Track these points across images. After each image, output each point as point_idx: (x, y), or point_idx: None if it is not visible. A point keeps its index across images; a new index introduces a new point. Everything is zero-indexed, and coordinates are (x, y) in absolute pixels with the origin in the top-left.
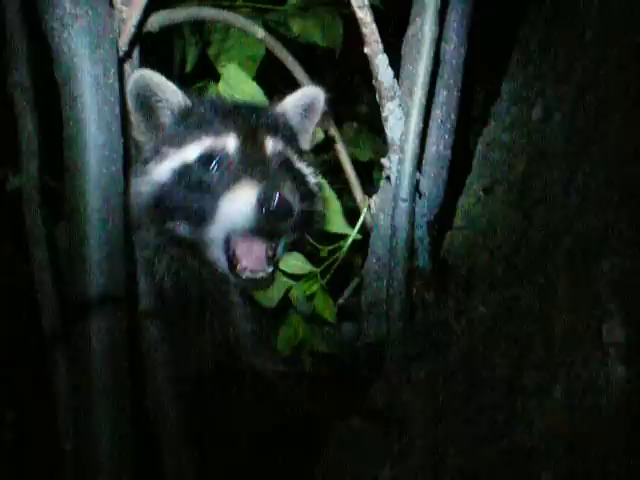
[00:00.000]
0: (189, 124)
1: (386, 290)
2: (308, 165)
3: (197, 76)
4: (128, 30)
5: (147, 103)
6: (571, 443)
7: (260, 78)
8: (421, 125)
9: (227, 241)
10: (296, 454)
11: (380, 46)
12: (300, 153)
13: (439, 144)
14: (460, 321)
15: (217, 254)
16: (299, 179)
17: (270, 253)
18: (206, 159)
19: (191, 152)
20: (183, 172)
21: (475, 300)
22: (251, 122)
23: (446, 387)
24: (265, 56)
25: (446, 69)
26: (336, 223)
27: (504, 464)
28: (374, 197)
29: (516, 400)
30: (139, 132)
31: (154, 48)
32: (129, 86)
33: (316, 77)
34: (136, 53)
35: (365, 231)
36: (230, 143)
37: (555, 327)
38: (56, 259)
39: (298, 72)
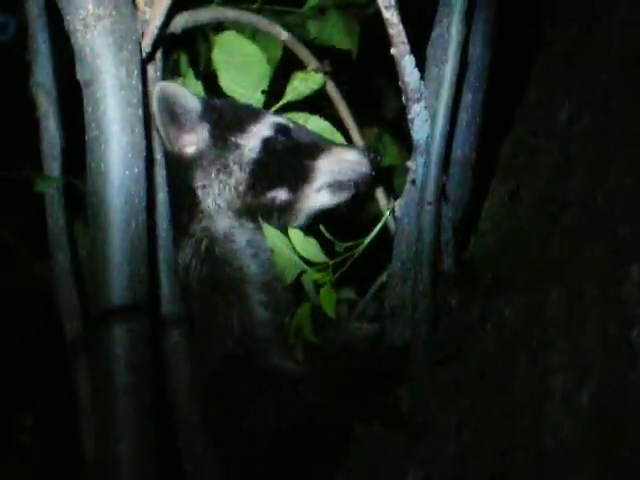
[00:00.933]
0: (229, 115)
1: (411, 294)
2: None
3: None
4: (151, 31)
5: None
6: (599, 449)
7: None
8: (447, 127)
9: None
10: (316, 458)
11: (407, 47)
12: None
13: (465, 147)
14: (485, 326)
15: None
16: None
17: None
18: (282, 128)
19: (262, 128)
20: (268, 144)
21: (500, 305)
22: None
23: (471, 392)
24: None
25: (472, 71)
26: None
27: (530, 470)
28: (398, 201)
29: (542, 405)
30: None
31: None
32: (155, 100)
33: (336, 80)
34: (159, 55)
35: (387, 235)
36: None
37: (582, 332)
38: (78, 262)
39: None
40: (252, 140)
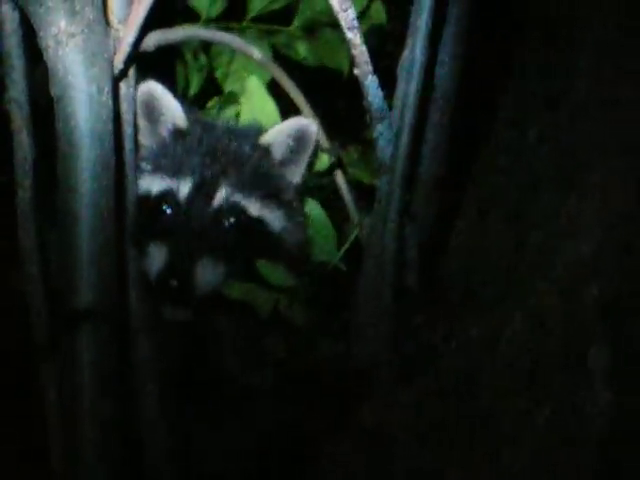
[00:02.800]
0: (171, 151)
1: (375, 310)
2: (283, 206)
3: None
4: (124, 49)
5: (151, 114)
6: (556, 469)
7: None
8: (411, 147)
9: None
10: (283, 470)
11: (370, 67)
12: (278, 191)
13: (432, 166)
14: (450, 344)
15: None
16: (251, 231)
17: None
18: (162, 200)
19: (157, 184)
20: (145, 200)
21: (466, 324)
22: (215, 165)
23: (433, 411)
24: None
25: (439, 91)
26: (325, 250)
27: None
28: (366, 219)
29: (502, 424)
30: (142, 136)
31: (159, 66)
32: (138, 94)
33: (319, 99)
34: (132, 72)
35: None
36: (183, 189)
37: (542, 352)
38: (48, 273)
39: (296, 95)
40: (143, 183)
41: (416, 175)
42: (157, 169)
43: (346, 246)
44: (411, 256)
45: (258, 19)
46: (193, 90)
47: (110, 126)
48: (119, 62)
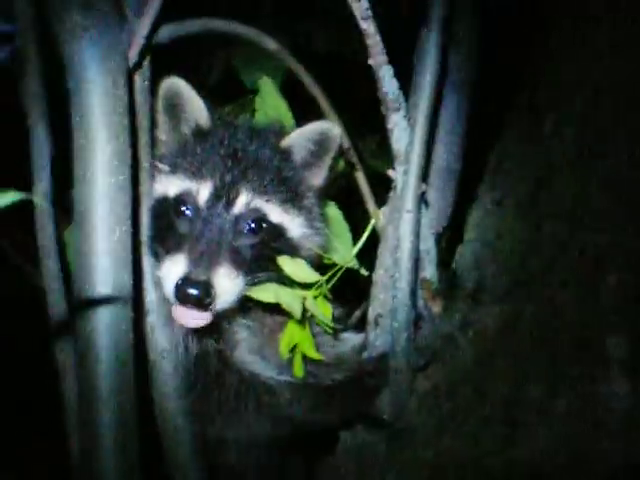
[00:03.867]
0: (191, 151)
1: (392, 301)
2: (303, 211)
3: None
4: (138, 41)
5: (173, 110)
6: (573, 458)
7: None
8: (427, 136)
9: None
10: (299, 464)
11: (385, 57)
12: (299, 195)
13: (447, 156)
14: (466, 333)
15: None
16: (270, 237)
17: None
18: (181, 202)
19: (175, 186)
20: (162, 203)
21: (482, 312)
22: (236, 168)
23: (450, 399)
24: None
25: (454, 80)
26: (341, 250)
27: (506, 477)
28: (382, 209)
29: (519, 414)
30: (162, 132)
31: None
32: (160, 89)
33: (335, 88)
34: (147, 64)
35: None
36: (203, 193)
37: (559, 341)
38: (67, 270)
39: (312, 87)
40: (160, 185)
41: (431, 165)
42: (176, 169)
43: (361, 243)
44: (427, 246)
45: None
46: (213, 80)
47: (125, 119)
48: (134, 55)
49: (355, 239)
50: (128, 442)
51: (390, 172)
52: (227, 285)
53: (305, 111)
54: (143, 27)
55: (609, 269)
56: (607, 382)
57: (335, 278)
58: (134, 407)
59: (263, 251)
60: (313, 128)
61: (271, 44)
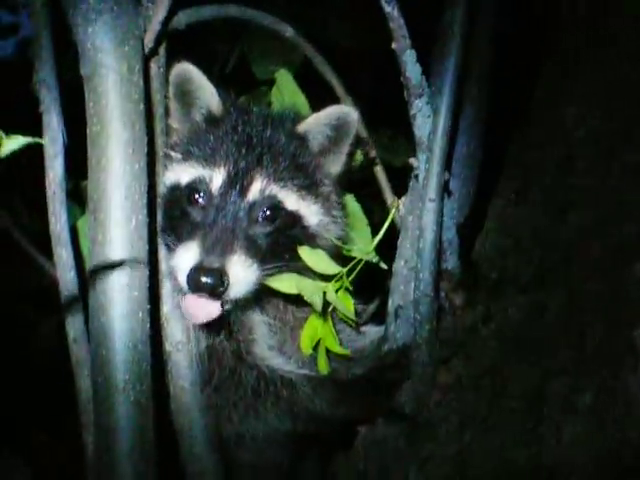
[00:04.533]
0: (203, 138)
1: (413, 292)
2: (320, 198)
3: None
4: (154, 27)
5: (185, 97)
6: (598, 453)
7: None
8: (450, 123)
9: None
10: (320, 458)
11: (408, 41)
12: (316, 182)
13: (470, 145)
14: (489, 325)
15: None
16: (286, 225)
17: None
18: (193, 190)
19: (188, 174)
20: (174, 191)
21: (505, 304)
22: (250, 154)
23: (473, 392)
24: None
25: (477, 67)
26: (360, 243)
27: (530, 472)
28: (403, 199)
29: (543, 407)
30: (174, 120)
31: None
32: (171, 75)
33: (349, 80)
34: (162, 51)
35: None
36: (216, 180)
37: (585, 333)
38: (81, 258)
39: (329, 74)
40: (172, 173)
41: (454, 154)
42: (188, 157)
43: (381, 234)
44: (449, 236)
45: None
46: (229, 68)
47: (141, 106)
48: (149, 41)
49: (372, 233)
50: (145, 429)
51: (412, 160)
52: (241, 274)
53: (320, 105)
54: (159, 12)
55: (635, 258)
56: (634, 374)
57: (356, 271)
58: (150, 397)
59: (279, 239)
60: (330, 112)
61: (287, 31)
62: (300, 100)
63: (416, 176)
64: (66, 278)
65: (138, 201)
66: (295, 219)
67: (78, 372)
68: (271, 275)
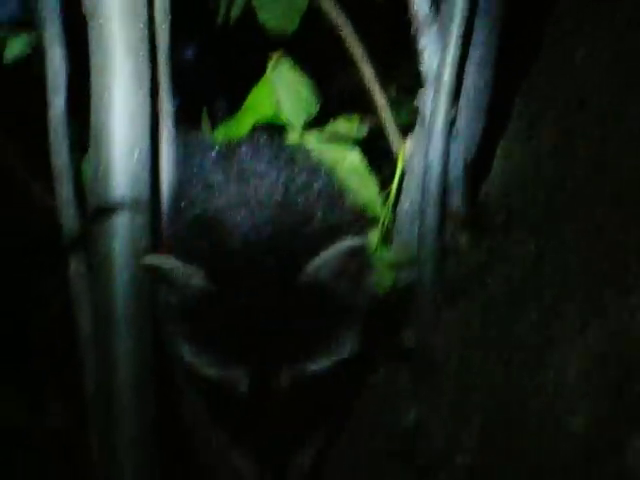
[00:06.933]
0: None
1: (418, 229)
2: None
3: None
4: None
5: None
6: (605, 387)
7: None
8: (459, 54)
9: None
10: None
11: None
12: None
13: (478, 83)
14: (495, 266)
15: None
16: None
17: None
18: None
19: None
20: None
21: (511, 245)
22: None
23: (477, 331)
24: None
25: (487, 4)
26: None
27: (534, 407)
28: (408, 141)
29: (549, 344)
30: None
31: None
32: None
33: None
34: None
35: None
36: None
37: (596, 267)
38: (82, 195)
39: (343, 25)
40: None
41: (461, 92)
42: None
43: (399, 170)
44: (456, 174)
45: None
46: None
47: (145, 36)
48: None
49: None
50: (146, 361)
51: (419, 95)
52: None
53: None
54: None
55: None
56: None
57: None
58: (151, 329)
59: None
60: (337, 250)
61: None
62: (306, 90)
63: (422, 118)
64: (67, 214)
65: (141, 133)
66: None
67: (79, 308)
68: None
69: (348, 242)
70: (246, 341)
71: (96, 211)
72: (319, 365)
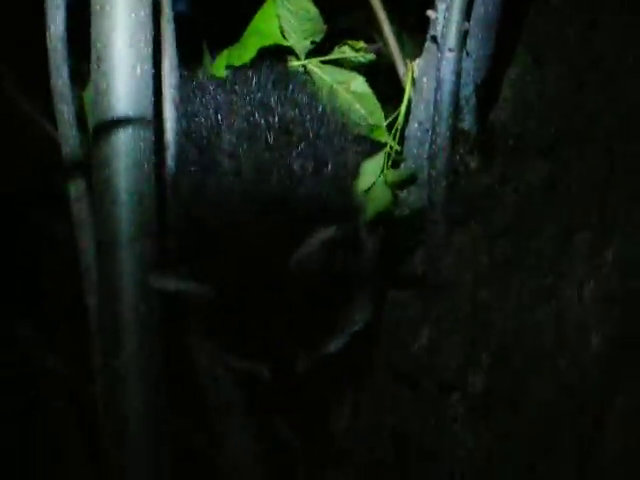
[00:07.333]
0: None
1: (429, 148)
2: None
3: None
4: None
5: None
6: (623, 307)
7: None
8: None
9: None
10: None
11: None
12: None
13: (488, 4)
14: (505, 188)
15: None
16: None
17: None
18: None
19: None
20: None
21: (522, 168)
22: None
23: (490, 252)
24: None
25: None
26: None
27: (550, 327)
28: (417, 60)
29: (565, 263)
30: None
31: None
32: None
33: None
34: None
35: None
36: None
37: (610, 190)
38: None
39: None
40: None
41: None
42: None
43: (408, 91)
44: (467, 93)
45: None
46: None
47: None
48: None
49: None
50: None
51: (429, 12)
52: None
53: None
54: None
55: None
56: None
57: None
58: (154, 252)
59: None
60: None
61: None
62: (312, 12)
63: (433, 37)
64: (67, 135)
65: (143, 49)
66: None
67: (80, 233)
68: None
69: (331, 231)
70: (258, 334)
71: (99, 127)
72: (336, 345)
